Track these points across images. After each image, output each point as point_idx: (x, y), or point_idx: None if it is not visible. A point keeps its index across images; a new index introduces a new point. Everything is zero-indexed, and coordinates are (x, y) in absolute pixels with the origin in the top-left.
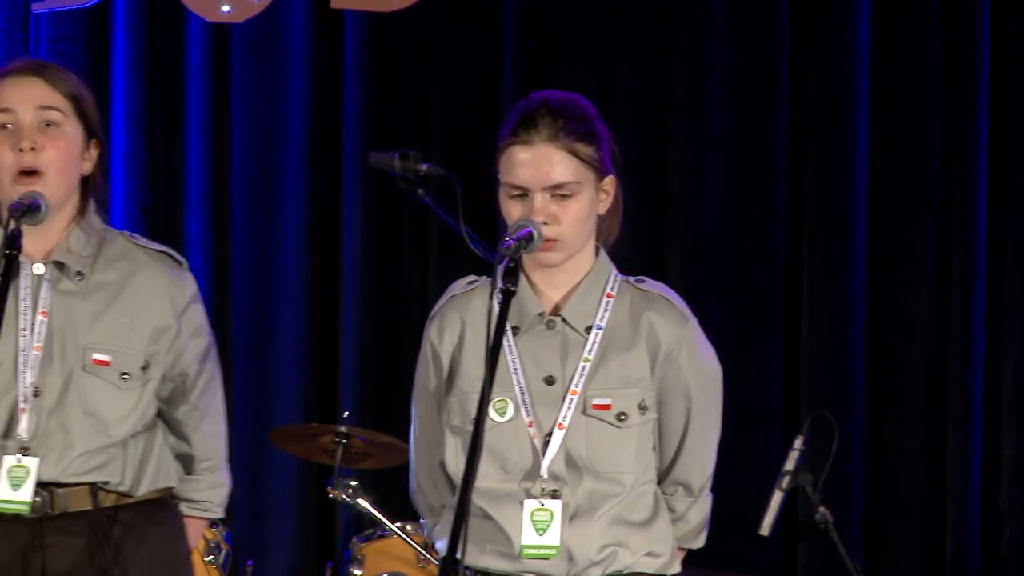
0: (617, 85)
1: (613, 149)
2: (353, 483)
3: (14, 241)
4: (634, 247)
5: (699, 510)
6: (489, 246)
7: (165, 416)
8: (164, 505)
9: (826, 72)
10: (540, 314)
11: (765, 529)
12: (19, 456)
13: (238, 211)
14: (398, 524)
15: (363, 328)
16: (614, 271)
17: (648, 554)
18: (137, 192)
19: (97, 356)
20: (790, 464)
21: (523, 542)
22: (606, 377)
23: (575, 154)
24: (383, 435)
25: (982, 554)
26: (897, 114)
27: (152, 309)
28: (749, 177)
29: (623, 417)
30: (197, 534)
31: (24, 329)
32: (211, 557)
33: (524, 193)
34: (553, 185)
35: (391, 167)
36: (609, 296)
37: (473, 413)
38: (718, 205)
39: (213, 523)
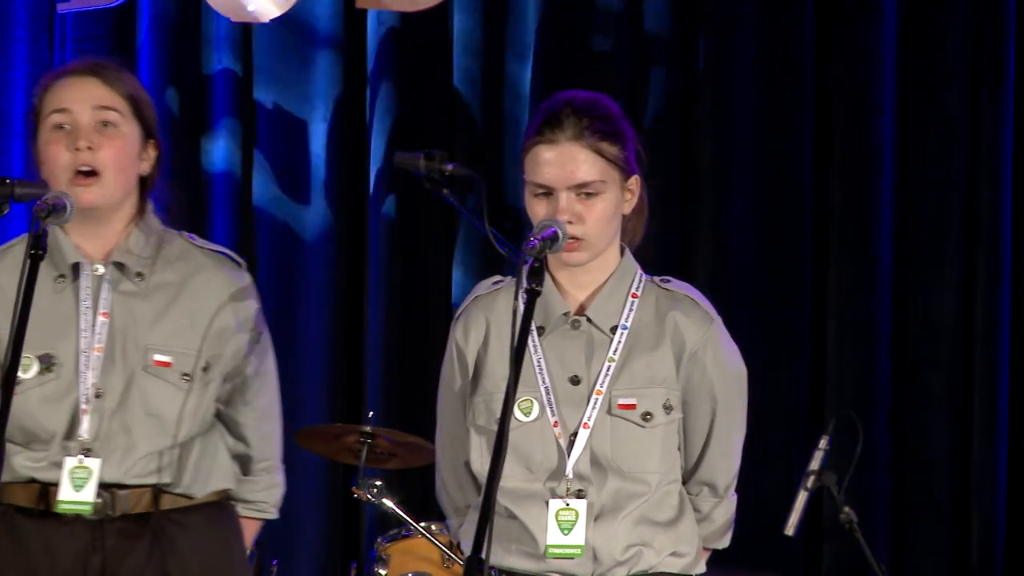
0: (642, 85)
1: (638, 149)
2: (378, 483)
3: (39, 241)
4: (659, 247)
5: (724, 510)
6: (514, 246)
7: (223, 417)
8: (222, 507)
9: (852, 71)
10: (565, 314)
11: (790, 529)
12: (81, 457)
13: (262, 211)
14: (423, 524)
15: (388, 328)
16: (639, 271)
17: (673, 554)
18: (162, 192)
19: (158, 357)
20: (815, 464)
21: (548, 542)
22: (631, 377)
23: (600, 153)
24: (408, 435)
25: (1007, 554)
26: (923, 113)
27: (211, 310)
28: (775, 177)
29: (648, 417)
30: (252, 535)
31: (85, 330)
32: None
33: (549, 192)
34: (578, 184)
35: (416, 167)
36: (634, 296)
37: (498, 413)
38: (744, 205)
39: None
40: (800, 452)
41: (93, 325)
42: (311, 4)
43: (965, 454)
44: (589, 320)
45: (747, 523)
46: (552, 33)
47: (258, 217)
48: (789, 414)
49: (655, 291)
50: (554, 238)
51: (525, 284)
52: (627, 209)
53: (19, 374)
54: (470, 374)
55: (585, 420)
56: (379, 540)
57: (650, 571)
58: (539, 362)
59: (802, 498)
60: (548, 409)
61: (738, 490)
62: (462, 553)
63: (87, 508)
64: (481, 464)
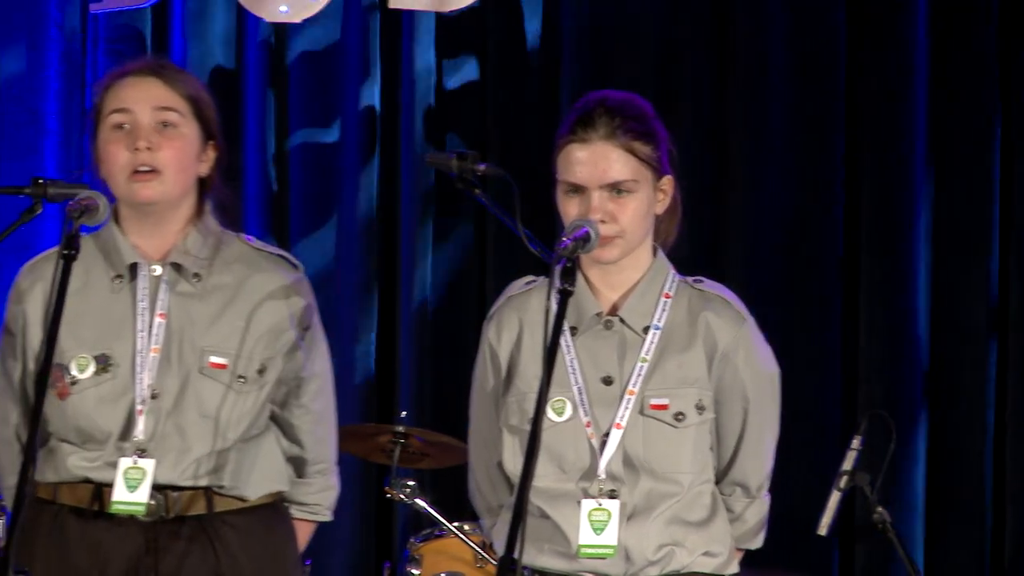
0: (675, 86)
1: (671, 150)
2: (411, 483)
3: (71, 242)
4: (692, 247)
5: (757, 510)
6: (546, 246)
7: (278, 419)
8: (275, 509)
9: (883, 72)
10: (598, 314)
11: (823, 529)
12: (135, 458)
13: (296, 211)
14: (456, 524)
15: (421, 328)
16: (672, 271)
17: (705, 554)
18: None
19: (214, 359)
20: (848, 464)
21: (580, 542)
22: (663, 377)
23: (632, 152)
24: (441, 435)
25: None
26: (955, 113)
27: (268, 313)
28: (807, 178)
29: (681, 417)
30: (306, 537)
31: (142, 331)
32: None
33: (582, 191)
34: (610, 183)
35: (449, 167)
36: (667, 296)
37: (531, 413)
38: (776, 206)
39: None
40: (832, 452)
41: (150, 326)
42: (344, 4)
43: (999, 454)
44: (622, 320)
45: (780, 523)
46: (586, 33)
47: (292, 217)
48: (821, 414)
49: (688, 291)
50: (586, 238)
51: (558, 284)
52: (659, 209)
53: (76, 374)
54: (503, 374)
55: (617, 420)
56: (412, 540)
57: (682, 571)
58: (572, 362)
59: (835, 498)
60: (581, 409)
61: (771, 490)
62: (495, 553)
63: (140, 509)
64: (514, 464)
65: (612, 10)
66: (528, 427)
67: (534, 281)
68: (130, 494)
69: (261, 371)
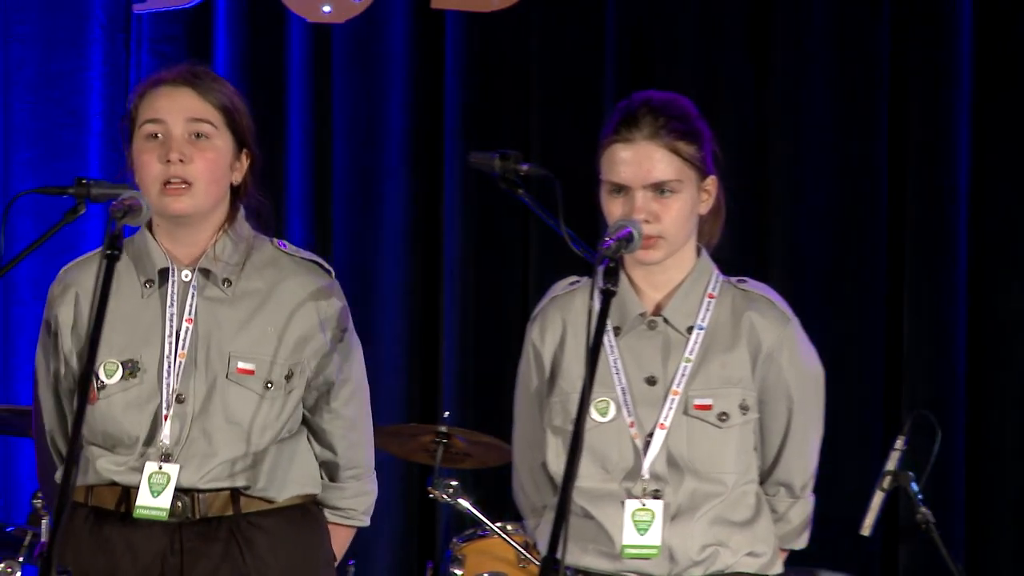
0: (717, 86)
1: (715, 150)
2: (453, 483)
3: (115, 242)
4: (735, 247)
5: (801, 510)
6: (589, 246)
7: (310, 424)
8: (306, 512)
9: (927, 68)
10: (642, 314)
11: (866, 529)
12: (160, 463)
13: (339, 212)
14: (499, 524)
15: (463, 328)
16: (716, 271)
17: (749, 554)
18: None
19: (242, 365)
20: (891, 464)
21: (624, 542)
22: (707, 377)
23: (676, 152)
24: (483, 435)
25: None
26: (999, 109)
27: (298, 318)
28: (850, 176)
29: (724, 417)
30: (343, 542)
31: (170, 336)
32: None
33: (625, 191)
34: (654, 183)
35: (491, 167)
36: (710, 296)
37: (574, 413)
38: (819, 205)
39: None
40: (876, 452)
41: (178, 331)
42: (387, 5)
43: None
44: (665, 320)
45: (823, 523)
46: (627, 34)
47: (334, 218)
48: (865, 414)
49: (731, 291)
50: (629, 238)
51: (601, 284)
52: (703, 209)
53: (104, 379)
54: (547, 375)
55: (661, 420)
56: (455, 540)
57: (726, 571)
58: (615, 362)
59: (878, 498)
60: (624, 409)
61: (815, 491)
62: (538, 553)
63: (163, 514)
64: (557, 464)
65: (652, 8)
66: (572, 427)
67: (578, 281)
68: (153, 499)
69: (289, 376)
